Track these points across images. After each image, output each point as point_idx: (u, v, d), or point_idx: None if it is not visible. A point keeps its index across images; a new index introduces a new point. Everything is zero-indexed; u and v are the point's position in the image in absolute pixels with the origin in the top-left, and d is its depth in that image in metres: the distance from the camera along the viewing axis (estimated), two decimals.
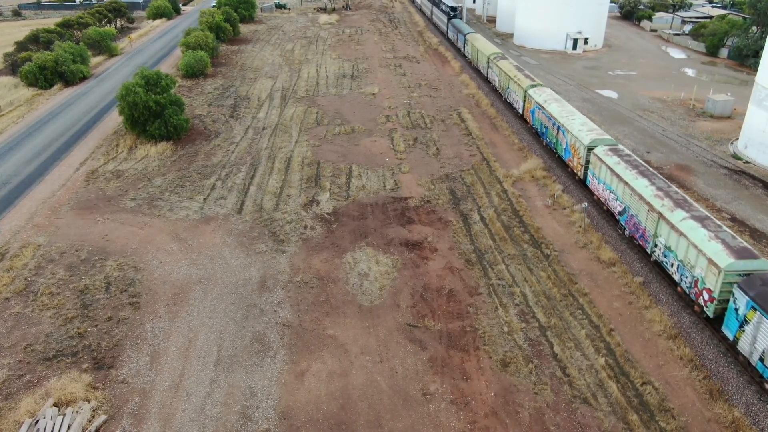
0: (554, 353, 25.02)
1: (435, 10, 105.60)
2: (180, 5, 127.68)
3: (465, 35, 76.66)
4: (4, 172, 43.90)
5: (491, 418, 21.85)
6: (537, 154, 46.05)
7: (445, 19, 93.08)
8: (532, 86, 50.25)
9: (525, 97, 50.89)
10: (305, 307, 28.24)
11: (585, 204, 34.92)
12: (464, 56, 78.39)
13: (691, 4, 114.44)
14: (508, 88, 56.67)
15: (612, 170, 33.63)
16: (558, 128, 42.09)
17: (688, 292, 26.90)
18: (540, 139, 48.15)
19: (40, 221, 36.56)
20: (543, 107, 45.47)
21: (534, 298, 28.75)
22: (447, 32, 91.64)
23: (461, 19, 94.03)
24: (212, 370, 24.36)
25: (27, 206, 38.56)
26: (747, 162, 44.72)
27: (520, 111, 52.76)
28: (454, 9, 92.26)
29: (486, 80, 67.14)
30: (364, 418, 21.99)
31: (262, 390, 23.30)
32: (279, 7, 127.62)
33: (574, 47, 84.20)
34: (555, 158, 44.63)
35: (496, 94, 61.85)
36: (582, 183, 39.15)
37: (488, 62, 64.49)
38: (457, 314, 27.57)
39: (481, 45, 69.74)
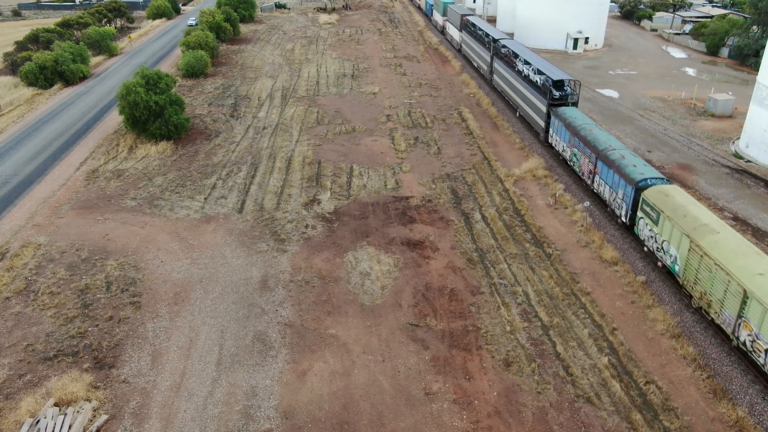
0: (557, 353, 24.94)
1: (511, 77, 54.68)
2: (180, 5, 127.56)
3: (637, 185, 31.15)
4: (4, 172, 43.79)
5: (494, 418, 21.76)
6: (538, 154, 45.93)
7: (542, 104, 46.03)
8: None
9: None
10: (307, 307, 28.15)
11: (586, 203, 34.83)
12: (628, 230, 33.03)
13: (691, 4, 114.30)
14: None
15: None
16: None
17: None
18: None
19: (40, 220, 36.46)
20: None
21: (536, 297, 28.66)
22: (547, 134, 45.57)
23: (576, 104, 45.52)
24: (214, 369, 24.27)
25: (27, 206, 38.47)
26: (748, 161, 44.65)
27: None
28: (560, 84, 45.61)
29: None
30: (366, 417, 21.90)
31: (264, 389, 23.21)
32: (279, 6, 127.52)
33: (575, 47, 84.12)
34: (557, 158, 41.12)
35: (497, 93, 61.38)
36: None
37: None
38: (459, 313, 27.49)
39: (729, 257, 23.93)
